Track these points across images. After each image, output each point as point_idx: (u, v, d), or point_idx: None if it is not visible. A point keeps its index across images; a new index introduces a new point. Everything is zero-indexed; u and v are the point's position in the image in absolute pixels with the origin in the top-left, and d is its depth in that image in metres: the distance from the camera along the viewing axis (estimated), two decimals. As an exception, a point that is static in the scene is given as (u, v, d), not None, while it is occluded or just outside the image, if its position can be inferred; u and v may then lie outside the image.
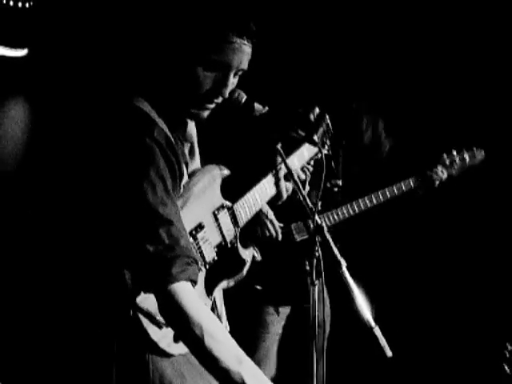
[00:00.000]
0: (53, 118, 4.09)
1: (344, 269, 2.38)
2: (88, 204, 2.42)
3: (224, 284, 2.74)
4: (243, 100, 2.56)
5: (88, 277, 2.43)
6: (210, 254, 2.62)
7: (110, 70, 3.97)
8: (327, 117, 3.31)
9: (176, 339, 2.41)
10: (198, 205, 2.59)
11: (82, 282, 2.45)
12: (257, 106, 2.55)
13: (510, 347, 3.09)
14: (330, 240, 2.41)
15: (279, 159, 2.69)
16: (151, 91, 2.46)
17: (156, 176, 2.30)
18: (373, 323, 2.36)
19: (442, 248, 4.61)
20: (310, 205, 2.47)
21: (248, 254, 2.82)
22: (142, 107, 2.39)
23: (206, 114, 2.44)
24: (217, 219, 2.67)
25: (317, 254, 2.41)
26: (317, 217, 2.44)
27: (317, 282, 2.42)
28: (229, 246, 2.71)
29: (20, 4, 4.16)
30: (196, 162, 2.70)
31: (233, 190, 2.81)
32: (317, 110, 3.21)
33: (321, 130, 3.27)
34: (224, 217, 2.70)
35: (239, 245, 2.77)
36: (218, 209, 2.69)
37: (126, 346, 2.38)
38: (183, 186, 2.51)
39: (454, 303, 4.51)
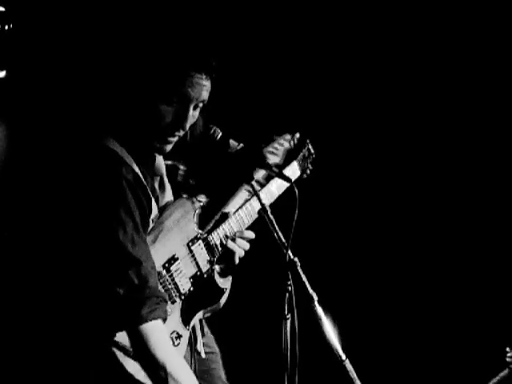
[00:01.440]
0: (29, 143, 4.09)
1: (316, 303, 2.43)
2: (59, 243, 2.45)
3: (203, 313, 2.80)
4: (219, 136, 2.61)
5: (64, 311, 2.46)
6: (186, 286, 2.66)
7: (82, 101, 3.98)
8: (308, 141, 3.36)
9: None
10: (171, 238, 2.64)
11: (58, 314, 2.48)
12: (232, 142, 2.60)
13: (510, 352, 3.13)
14: (303, 275, 2.45)
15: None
16: (119, 129, 2.53)
17: (126, 215, 2.36)
18: (343, 356, 2.42)
19: (429, 263, 4.60)
20: (283, 239, 2.50)
21: (226, 283, 2.85)
22: (110, 146, 2.45)
23: (168, 147, 2.53)
24: (191, 251, 2.70)
25: (289, 289, 2.44)
26: (290, 252, 2.47)
27: (288, 316, 2.44)
28: (205, 276, 2.75)
29: (-1, 26, 4.17)
30: (167, 195, 2.74)
31: (209, 219, 2.86)
32: (297, 135, 3.27)
33: (301, 156, 3.32)
34: (198, 248, 2.74)
35: (216, 274, 2.80)
36: (191, 240, 2.72)
37: (103, 374, 2.42)
38: (152, 221, 2.55)
39: (449, 319, 4.53)
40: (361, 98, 4.63)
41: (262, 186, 2.97)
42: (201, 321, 2.88)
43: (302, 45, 4.54)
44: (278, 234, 2.48)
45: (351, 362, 2.42)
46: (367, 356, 3.82)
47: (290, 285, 2.43)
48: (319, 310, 2.43)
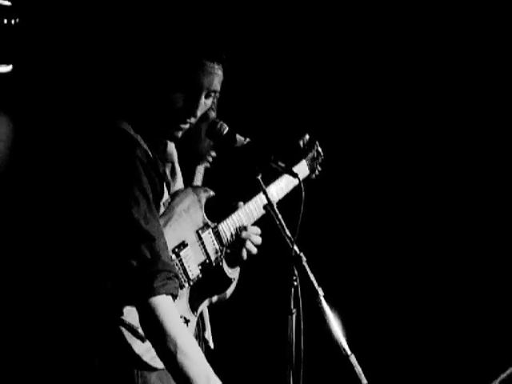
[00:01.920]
0: (37, 135, 4.11)
1: (321, 298, 2.43)
2: (73, 219, 2.50)
3: (210, 300, 2.82)
4: (225, 131, 2.61)
5: (72, 289, 2.49)
6: (194, 272, 2.68)
7: (94, 90, 4.00)
8: (317, 143, 3.37)
9: None
10: (181, 223, 2.66)
11: (66, 294, 2.52)
12: (238, 137, 2.60)
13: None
14: (309, 270, 2.45)
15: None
16: (132, 114, 2.58)
17: (139, 193, 2.40)
18: (349, 351, 2.41)
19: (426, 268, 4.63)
20: (289, 234, 2.50)
21: (234, 273, 2.87)
22: (124, 128, 2.50)
23: (179, 134, 2.57)
24: (200, 238, 2.73)
25: (295, 284, 2.44)
26: (295, 247, 2.47)
27: (294, 311, 2.44)
28: (213, 264, 2.77)
29: (5, 20, 4.17)
30: (178, 182, 2.77)
31: (218, 210, 2.87)
32: (307, 137, 3.28)
33: (310, 156, 3.33)
34: (208, 236, 2.76)
35: (225, 264, 2.82)
36: (201, 228, 2.75)
37: (109, 358, 2.44)
38: (163, 205, 2.59)
39: (443, 330, 4.55)
40: (363, 98, 4.66)
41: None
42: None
43: (309, 46, 4.56)
44: (283, 228, 2.48)
45: (356, 358, 2.42)
46: (372, 351, 3.83)
47: (295, 280, 2.43)
48: (325, 305, 2.42)
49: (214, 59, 2.49)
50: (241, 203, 2.91)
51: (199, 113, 2.54)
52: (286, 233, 2.47)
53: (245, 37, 4.29)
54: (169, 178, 2.71)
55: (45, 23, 4.23)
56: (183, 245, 2.65)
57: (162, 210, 2.61)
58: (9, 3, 4.14)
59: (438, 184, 4.63)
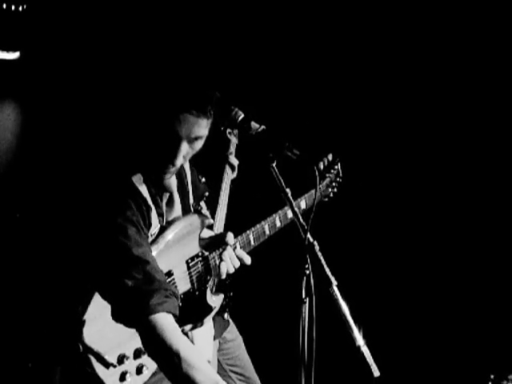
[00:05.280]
0: (43, 125, 4.10)
1: (334, 287, 2.40)
2: (68, 246, 2.59)
3: (187, 328, 2.79)
4: (240, 118, 2.58)
5: (51, 311, 2.57)
6: None
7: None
8: (338, 161, 3.38)
9: (122, 379, 2.53)
10: (171, 253, 2.69)
11: (48, 314, 2.60)
12: (253, 124, 2.57)
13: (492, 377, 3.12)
14: (322, 258, 2.43)
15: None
16: (130, 157, 2.66)
17: (126, 221, 2.45)
18: (361, 342, 2.39)
19: (431, 266, 4.64)
20: (303, 222, 2.48)
21: (216, 301, 2.88)
22: (122, 168, 2.60)
23: (167, 177, 2.63)
24: (189, 267, 2.75)
25: (307, 272, 2.42)
26: (309, 235, 2.45)
27: (306, 299, 2.42)
28: (196, 293, 2.79)
29: (13, 7, 4.16)
30: (175, 210, 2.80)
31: (213, 240, 2.88)
32: (330, 157, 3.28)
33: (327, 181, 3.35)
34: (196, 266, 2.78)
35: (208, 292, 2.83)
36: (192, 258, 2.77)
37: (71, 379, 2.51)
38: (151, 235, 2.63)
39: (443, 328, 4.55)
40: (365, 99, 4.67)
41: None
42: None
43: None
44: (297, 216, 2.45)
45: (368, 348, 2.40)
46: (385, 341, 3.82)
47: (308, 268, 2.41)
48: (338, 294, 2.40)
49: (192, 111, 2.49)
50: (232, 241, 2.89)
51: (180, 161, 2.56)
52: (299, 221, 2.45)
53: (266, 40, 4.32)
54: (163, 207, 2.73)
55: (52, 9, 4.22)
56: (168, 274, 2.66)
57: (150, 239, 2.62)
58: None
59: (448, 180, 4.65)
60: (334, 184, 3.64)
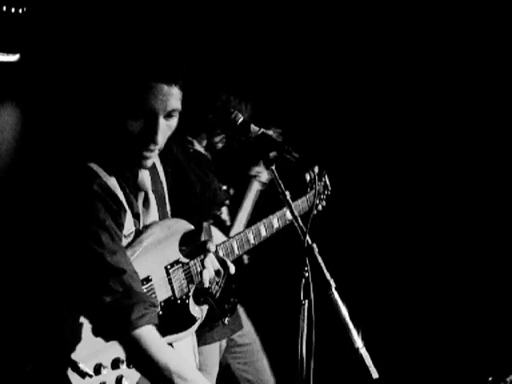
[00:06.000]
0: (43, 127, 4.09)
1: (333, 290, 2.40)
2: (43, 256, 2.42)
3: (171, 338, 2.69)
4: (240, 121, 2.58)
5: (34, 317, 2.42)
6: None
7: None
8: (325, 174, 3.37)
9: None
10: (148, 258, 2.58)
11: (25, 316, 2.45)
12: (253, 127, 2.56)
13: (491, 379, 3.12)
14: (321, 261, 2.43)
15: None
16: (96, 147, 2.49)
17: (98, 227, 2.33)
18: (360, 344, 2.39)
19: (429, 267, 4.64)
20: (301, 224, 2.48)
21: (199, 311, 2.79)
22: (86, 161, 2.41)
23: (148, 162, 2.46)
24: (168, 274, 2.66)
25: (306, 275, 2.42)
26: (308, 237, 2.45)
27: (305, 302, 2.42)
28: (178, 302, 2.70)
29: (13, 9, 4.16)
30: (152, 210, 2.69)
31: (194, 246, 2.80)
32: (316, 169, 3.28)
33: (313, 192, 3.34)
34: (177, 272, 2.69)
35: (191, 301, 2.75)
36: (171, 264, 2.68)
37: None
38: (125, 236, 2.50)
39: (441, 331, 4.56)
40: (364, 100, 4.68)
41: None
42: None
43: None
44: (296, 218, 2.45)
45: (367, 350, 2.40)
46: (384, 343, 3.82)
47: (306, 271, 2.41)
48: (337, 296, 2.40)
49: (165, 81, 2.35)
50: (213, 247, 2.82)
51: (161, 138, 2.41)
52: (298, 223, 2.45)
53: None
54: (140, 207, 2.61)
55: (52, 11, 4.22)
56: (147, 280, 2.55)
57: (125, 240, 2.52)
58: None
59: (448, 178, 4.65)
60: (322, 196, 3.63)
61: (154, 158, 2.48)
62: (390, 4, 4.59)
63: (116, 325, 2.29)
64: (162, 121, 2.39)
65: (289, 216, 3.32)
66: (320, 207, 3.59)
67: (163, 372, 2.27)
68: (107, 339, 2.33)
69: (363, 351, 2.37)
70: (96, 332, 2.33)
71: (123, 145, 2.41)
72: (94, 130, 2.53)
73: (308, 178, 3.38)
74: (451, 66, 4.58)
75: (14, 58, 4.21)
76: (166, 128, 2.42)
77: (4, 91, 4.21)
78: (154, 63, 2.36)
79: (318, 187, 3.40)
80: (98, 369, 2.39)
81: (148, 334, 2.31)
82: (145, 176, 2.62)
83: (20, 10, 4.19)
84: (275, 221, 3.23)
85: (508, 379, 3.08)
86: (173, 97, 2.38)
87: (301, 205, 3.46)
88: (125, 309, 2.29)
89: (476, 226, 4.62)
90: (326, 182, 3.53)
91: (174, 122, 2.44)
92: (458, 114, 4.62)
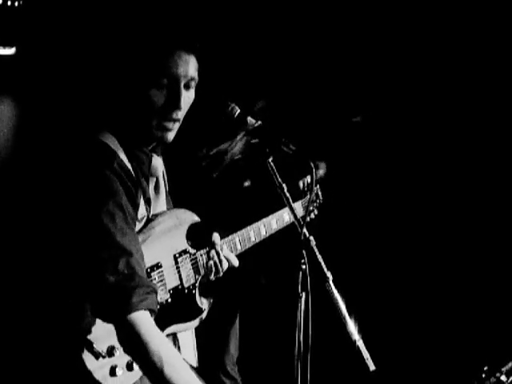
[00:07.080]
0: (39, 119, 4.08)
1: (330, 282, 2.41)
2: (51, 233, 2.43)
3: (175, 328, 2.73)
4: (236, 114, 2.58)
5: (42, 299, 2.44)
6: (163, 296, 2.64)
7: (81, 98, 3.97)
8: (318, 186, 3.38)
9: (112, 373, 2.44)
10: (159, 245, 2.62)
11: (36, 303, 2.46)
12: (250, 119, 2.56)
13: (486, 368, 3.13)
14: (318, 253, 2.44)
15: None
16: (116, 122, 2.52)
17: (114, 206, 2.34)
18: (357, 336, 2.40)
19: (427, 263, 4.66)
20: (299, 217, 2.48)
21: (205, 303, 2.82)
22: (104, 140, 2.44)
23: (170, 135, 2.50)
24: (177, 262, 2.70)
25: (303, 267, 2.42)
26: (305, 229, 2.45)
27: (302, 294, 2.43)
28: (186, 291, 2.73)
29: (9, 2, 4.15)
30: (161, 197, 2.73)
31: (200, 238, 2.84)
32: (308, 178, 3.28)
33: (306, 199, 3.35)
34: (185, 262, 2.73)
35: (197, 292, 2.79)
36: (179, 253, 2.72)
37: (61, 370, 2.39)
38: (139, 220, 2.53)
39: (438, 322, 4.57)
40: (364, 100, 4.69)
41: None
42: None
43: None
44: (293, 212, 2.46)
45: (364, 342, 2.41)
46: (380, 336, 3.84)
47: (304, 263, 2.42)
48: (334, 289, 2.41)
49: (185, 48, 2.43)
50: (219, 243, 2.86)
51: (183, 105, 2.46)
52: (295, 216, 2.45)
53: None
54: (151, 192, 2.65)
55: (48, 5, 4.21)
56: (157, 266, 2.61)
57: (138, 225, 2.55)
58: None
59: (448, 177, 4.68)
60: (314, 204, 3.63)
61: (174, 131, 2.51)
62: (390, 4, 4.58)
63: (116, 305, 2.29)
64: (182, 88, 2.45)
65: (286, 218, 3.37)
66: (312, 215, 3.60)
67: (154, 358, 2.27)
68: (104, 320, 2.33)
69: (360, 343, 2.38)
70: (93, 311, 2.34)
71: (147, 116, 2.45)
72: (113, 107, 2.56)
73: (301, 185, 3.40)
74: (451, 66, 4.58)
75: (10, 51, 4.20)
76: (186, 98, 2.48)
77: (0, 84, 4.20)
78: (173, 31, 2.45)
79: (314, 191, 3.42)
80: (110, 351, 2.43)
81: (143, 318, 2.31)
82: (158, 162, 2.65)
83: (16, 3, 4.18)
84: (273, 221, 3.27)
85: (503, 369, 3.09)
86: (192, 64, 2.46)
87: (297, 208, 3.47)
88: (127, 290, 2.30)
89: (472, 222, 4.63)
90: (317, 191, 3.56)
91: (192, 94, 2.52)
92: (458, 114, 4.63)
